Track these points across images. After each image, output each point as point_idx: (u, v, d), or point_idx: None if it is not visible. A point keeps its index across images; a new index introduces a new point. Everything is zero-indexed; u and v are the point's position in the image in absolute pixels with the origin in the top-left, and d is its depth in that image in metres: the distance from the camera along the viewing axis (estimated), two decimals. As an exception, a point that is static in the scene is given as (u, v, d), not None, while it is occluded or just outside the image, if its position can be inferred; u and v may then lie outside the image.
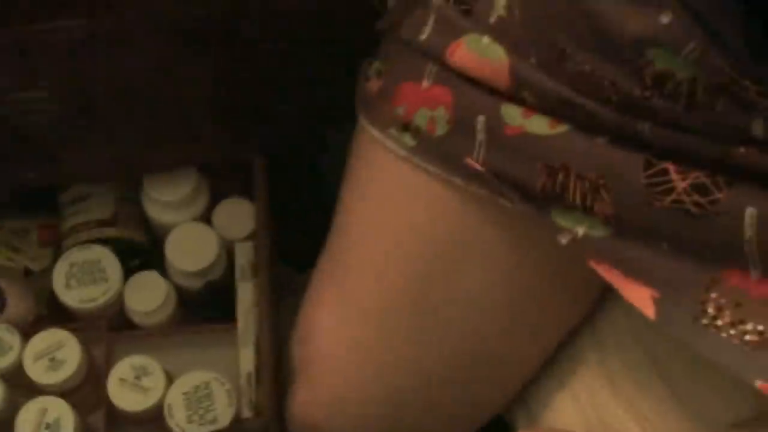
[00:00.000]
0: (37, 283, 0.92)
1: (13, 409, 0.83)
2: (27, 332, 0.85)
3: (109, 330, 0.87)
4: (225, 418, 0.82)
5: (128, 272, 0.88)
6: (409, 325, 0.66)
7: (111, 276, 0.87)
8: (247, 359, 0.84)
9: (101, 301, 0.86)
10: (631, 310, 0.66)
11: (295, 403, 0.70)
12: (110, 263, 0.87)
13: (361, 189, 0.68)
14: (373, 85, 0.67)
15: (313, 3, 0.79)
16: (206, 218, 0.90)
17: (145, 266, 0.89)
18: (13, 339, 0.85)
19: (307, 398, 0.69)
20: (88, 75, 0.79)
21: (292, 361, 0.72)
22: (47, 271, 0.92)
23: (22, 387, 0.84)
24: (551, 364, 0.72)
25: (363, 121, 0.67)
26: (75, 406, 0.83)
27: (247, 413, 0.83)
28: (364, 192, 0.67)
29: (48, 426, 0.81)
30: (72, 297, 0.86)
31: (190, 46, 0.80)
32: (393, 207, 0.66)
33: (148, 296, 0.87)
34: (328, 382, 0.68)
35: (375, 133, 0.65)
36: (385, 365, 0.67)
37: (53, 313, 0.90)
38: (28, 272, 0.92)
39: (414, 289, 0.66)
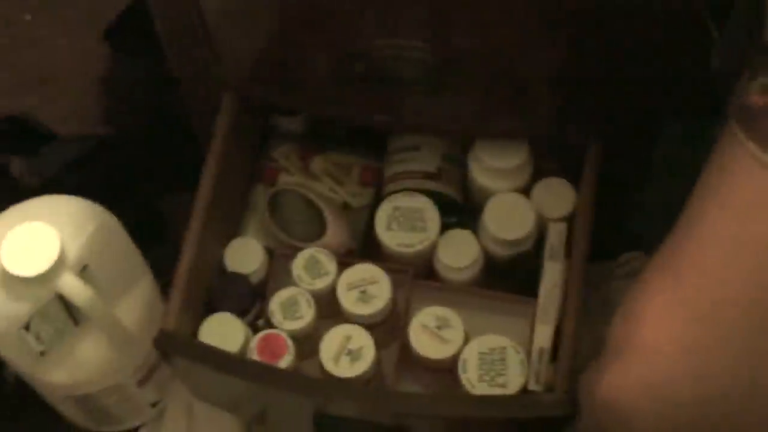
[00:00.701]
0: (353, 218, 0.96)
1: (319, 326, 0.89)
2: (339, 262, 0.91)
3: (415, 277, 0.91)
4: (514, 386, 0.85)
5: (442, 227, 0.92)
6: (744, 340, 0.67)
7: (430, 226, 0.91)
8: (542, 336, 0.86)
9: (417, 248, 0.90)
10: None
11: (603, 384, 0.71)
12: (431, 214, 0.91)
13: (721, 196, 0.69)
14: (757, 100, 0.67)
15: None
16: (525, 191, 0.92)
17: (458, 225, 0.92)
18: (330, 265, 0.90)
19: (617, 382, 0.70)
20: (454, 32, 0.83)
21: (608, 343, 0.73)
22: (363, 210, 0.97)
23: (329, 312, 0.90)
24: None
25: (740, 134, 0.68)
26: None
27: (533, 386, 0.86)
28: (725, 200, 0.68)
29: (350, 352, 0.86)
30: (390, 238, 0.90)
31: (547, 26, 0.82)
32: (753, 221, 0.67)
33: (459, 253, 0.90)
34: (645, 372, 0.69)
35: (752, 147, 0.66)
36: (709, 373, 0.67)
37: (362, 250, 0.95)
38: (345, 206, 0.97)
39: (759, 304, 0.66)
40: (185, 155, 1.00)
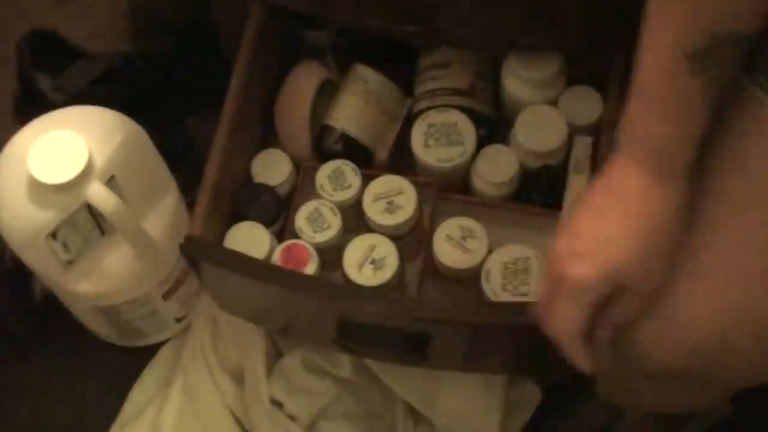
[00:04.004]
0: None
1: (344, 240, 0.95)
2: (366, 174, 0.96)
3: (440, 190, 0.97)
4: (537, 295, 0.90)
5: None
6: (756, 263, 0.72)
7: (467, 139, 0.95)
8: (566, 247, 0.92)
9: (457, 161, 0.95)
10: None
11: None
12: (466, 127, 0.96)
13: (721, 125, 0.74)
14: None
15: None
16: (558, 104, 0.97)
17: (490, 139, 0.98)
18: (354, 179, 0.96)
19: None
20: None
21: None
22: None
23: (355, 223, 0.96)
24: None
25: (742, 78, 0.73)
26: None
27: (556, 297, 0.91)
28: (725, 127, 0.73)
29: (373, 261, 0.92)
30: (429, 155, 0.95)
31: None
32: (748, 144, 0.72)
33: (498, 168, 0.95)
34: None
35: (741, 76, 0.71)
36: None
37: (391, 164, 1.00)
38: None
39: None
40: (213, 76, 1.05)
